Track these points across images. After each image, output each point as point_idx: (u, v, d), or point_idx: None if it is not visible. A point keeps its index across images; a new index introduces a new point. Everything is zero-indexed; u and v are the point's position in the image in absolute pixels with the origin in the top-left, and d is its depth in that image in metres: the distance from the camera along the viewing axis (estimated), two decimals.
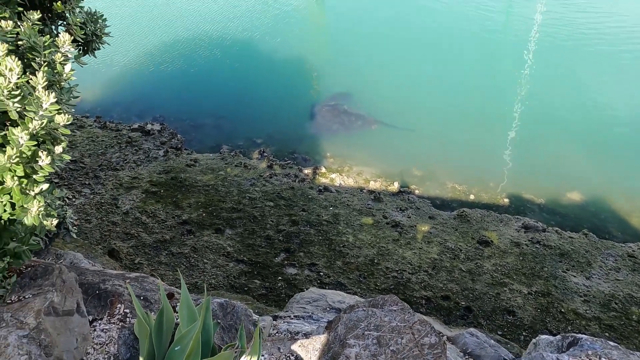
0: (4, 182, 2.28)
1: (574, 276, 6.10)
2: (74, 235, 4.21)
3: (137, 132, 8.49)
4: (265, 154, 8.33)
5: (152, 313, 3.12)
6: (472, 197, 7.59)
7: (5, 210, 2.33)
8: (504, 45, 11.22)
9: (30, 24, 2.65)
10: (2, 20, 2.43)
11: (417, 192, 7.68)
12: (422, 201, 7.44)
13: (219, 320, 3.06)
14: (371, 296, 5.64)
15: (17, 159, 2.26)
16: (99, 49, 3.82)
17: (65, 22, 3.44)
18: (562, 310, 5.62)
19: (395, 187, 7.69)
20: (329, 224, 6.76)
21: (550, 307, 5.66)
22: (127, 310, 3.10)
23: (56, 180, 6.95)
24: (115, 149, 8.01)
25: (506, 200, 7.54)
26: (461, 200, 7.56)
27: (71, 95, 3.00)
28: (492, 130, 8.87)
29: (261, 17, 12.21)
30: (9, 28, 2.42)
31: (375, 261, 6.18)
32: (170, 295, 3.44)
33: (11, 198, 2.33)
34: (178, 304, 3.10)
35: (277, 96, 9.80)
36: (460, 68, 10.40)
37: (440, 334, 3.14)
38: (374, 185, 7.70)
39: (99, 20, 3.72)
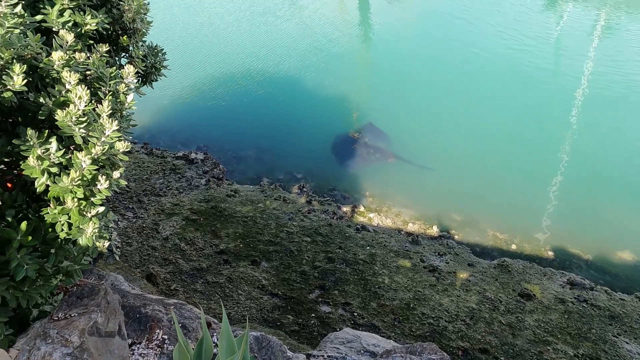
0: (65, 203, 2.38)
1: (627, 342, 5.76)
2: (117, 258, 4.32)
3: (181, 160, 8.72)
4: (304, 189, 8.39)
5: (190, 341, 3.13)
6: (513, 247, 7.39)
7: (62, 230, 2.42)
8: (551, 94, 11.08)
9: (98, 55, 2.80)
10: (76, 52, 2.58)
11: (456, 237, 7.54)
12: (462, 247, 7.29)
13: (255, 354, 3.04)
14: (406, 342, 5.50)
15: (79, 181, 2.36)
16: (156, 80, 4.01)
17: (128, 55, 3.63)
18: None
19: (434, 230, 7.57)
20: (365, 263, 6.69)
21: None
22: (166, 337, 3.12)
23: (105, 203, 7.17)
24: (160, 175, 8.23)
25: (550, 253, 7.30)
26: (502, 249, 7.36)
27: (129, 123, 3.13)
28: (537, 179, 8.67)
29: (310, 56, 12.50)
30: (81, 60, 2.57)
31: (411, 305, 6.05)
32: (208, 325, 3.45)
33: (69, 218, 2.42)
34: (215, 334, 3.11)
35: (319, 132, 9.92)
36: (505, 115, 10.30)
37: None
38: (412, 227, 7.61)
39: (159, 54, 3.92)
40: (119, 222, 6.85)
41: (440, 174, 8.72)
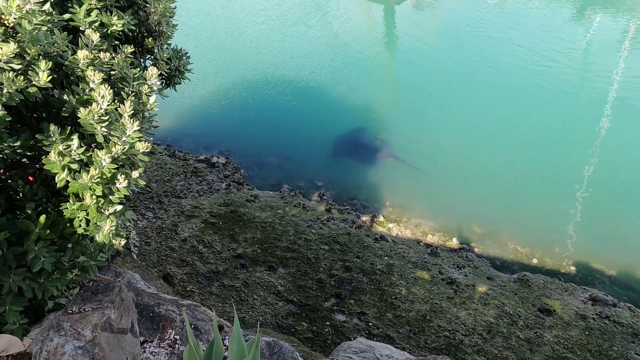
0: (84, 199, 2.42)
1: None
2: (135, 256, 4.36)
3: (202, 164, 8.81)
4: (324, 197, 8.37)
5: (201, 343, 3.14)
6: (534, 261, 7.23)
7: (80, 226, 2.46)
8: (576, 106, 10.88)
9: (123, 56, 2.85)
10: (101, 52, 2.63)
11: (476, 250, 7.42)
12: (481, 260, 7.17)
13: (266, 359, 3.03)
14: (421, 354, 5.42)
15: (98, 179, 2.39)
16: (180, 83, 4.07)
17: (153, 57, 3.70)
18: None
19: (453, 242, 7.47)
20: (383, 273, 6.63)
21: None
22: (177, 337, 3.13)
23: (125, 202, 7.29)
24: (181, 178, 8.32)
25: (572, 268, 7.12)
26: (523, 263, 7.22)
27: (151, 124, 3.18)
28: (561, 192, 8.49)
29: (336, 65, 12.53)
30: (106, 59, 2.62)
31: (427, 317, 5.96)
32: (220, 328, 3.45)
33: (87, 215, 2.46)
34: (227, 337, 3.11)
35: (342, 141, 9.91)
36: (529, 127, 10.14)
37: None
38: (431, 239, 7.52)
39: (184, 57, 3.97)
40: (138, 222, 6.94)
41: (462, 186, 8.61)
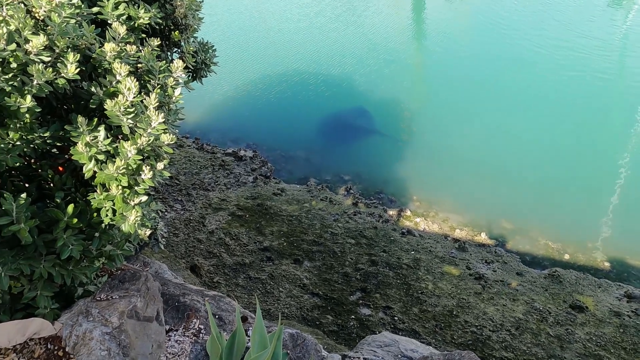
0: (110, 189, 2.47)
1: None
2: (162, 247, 4.44)
3: (230, 157, 8.89)
4: (351, 191, 8.35)
5: (225, 333, 3.17)
6: (566, 256, 7.05)
7: (107, 215, 2.51)
8: (613, 98, 10.52)
9: (150, 49, 2.89)
10: (128, 45, 2.67)
11: (505, 245, 7.28)
12: (511, 256, 7.03)
13: (288, 351, 3.04)
14: (446, 349, 5.36)
15: (124, 170, 2.44)
16: (206, 76, 4.10)
17: (179, 50, 3.74)
18: None
19: (482, 237, 7.35)
20: (409, 268, 6.57)
21: None
22: (202, 327, 3.18)
23: (152, 193, 7.42)
24: (209, 170, 8.43)
25: (607, 264, 6.91)
26: (554, 259, 7.04)
27: (177, 117, 3.21)
28: (593, 187, 8.24)
29: (364, 59, 12.43)
30: (132, 52, 2.66)
31: (454, 313, 5.89)
32: (244, 319, 3.48)
33: (114, 205, 2.51)
34: (250, 328, 3.13)
35: (369, 136, 9.85)
36: (563, 120, 9.86)
37: None
38: (459, 233, 7.41)
39: (210, 51, 4.00)
40: (167, 213, 7.07)
41: (491, 180, 8.45)
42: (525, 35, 12.88)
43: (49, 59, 2.30)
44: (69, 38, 2.40)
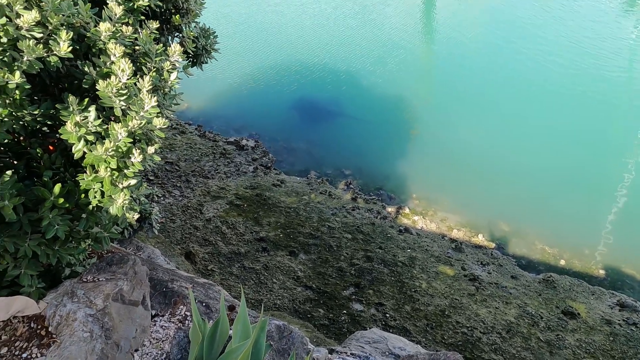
0: (98, 171, 2.45)
1: None
2: (156, 232, 4.43)
3: (232, 146, 8.87)
4: (351, 186, 8.32)
5: (210, 321, 3.16)
6: (562, 262, 7.01)
7: (95, 197, 2.49)
8: (618, 104, 10.41)
9: (148, 32, 2.86)
10: (124, 26, 2.64)
11: (502, 247, 7.25)
12: (506, 258, 7.00)
13: (272, 343, 3.03)
14: (435, 349, 5.35)
15: (113, 152, 2.41)
16: (206, 62, 4.06)
17: (180, 35, 3.70)
18: None
19: (479, 239, 7.32)
20: (404, 266, 6.55)
21: None
22: (188, 313, 3.16)
23: (151, 178, 7.42)
24: (210, 158, 8.41)
25: (602, 271, 6.87)
26: (549, 264, 7.01)
27: (173, 101, 3.18)
28: (593, 195, 8.18)
29: (371, 55, 12.36)
30: (128, 33, 2.63)
31: (446, 313, 5.87)
32: (232, 308, 3.47)
33: (102, 187, 2.49)
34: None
35: (372, 132, 9.80)
36: (566, 125, 9.78)
37: None
38: (456, 234, 7.38)
39: (211, 37, 3.96)
40: (165, 199, 7.06)
41: (491, 183, 8.41)
42: (530, 41, 12.77)
43: (41, 35, 2.27)
44: (62, 15, 2.36)
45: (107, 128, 2.47)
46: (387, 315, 5.80)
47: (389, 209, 7.81)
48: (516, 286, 6.41)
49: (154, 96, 2.58)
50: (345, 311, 5.80)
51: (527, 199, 8.12)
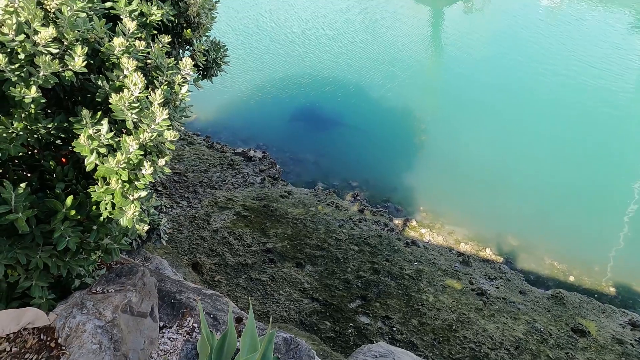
0: (109, 183, 2.47)
1: None
2: (164, 243, 4.45)
3: (239, 157, 8.91)
4: (358, 198, 8.32)
5: (218, 333, 3.17)
6: (571, 278, 6.95)
7: (106, 209, 2.52)
8: (626, 120, 10.37)
9: (160, 46, 2.90)
10: (137, 40, 2.69)
11: (510, 262, 7.20)
12: (515, 273, 6.95)
13: (279, 355, 3.02)
14: None
15: (125, 164, 2.44)
16: (216, 75, 4.11)
17: (191, 48, 3.75)
18: None
19: (487, 253, 7.28)
20: (411, 279, 6.52)
21: None
22: (196, 325, 3.17)
23: (160, 189, 7.46)
24: (217, 169, 8.45)
25: (612, 289, 6.80)
26: (559, 280, 6.95)
27: (184, 114, 3.22)
28: (604, 211, 8.12)
29: (379, 67, 12.41)
30: (141, 47, 2.67)
31: (454, 327, 5.83)
32: (239, 320, 3.47)
33: (113, 198, 2.51)
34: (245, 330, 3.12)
35: (379, 144, 9.82)
36: (575, 141, 9.75)
37: None
38: (464, 247, 7.35)
39: (221, 50, 4.01)
40: (172, 209, 7.09)
41: (500, 196, 8.38)
42: (538, 54, 12.78)
43: (57, 50, 2.32)
44: (78, 31, 2.41)
45: (119, 141, 2.50)
46: (394, 328, 5.77)
47: (396, 221, 7.80)
48: (525, 302, 6.36)
49: (165, 109, 2.62)
50: (351, 324, 5.78)
51: (536, 213, 8.08)
